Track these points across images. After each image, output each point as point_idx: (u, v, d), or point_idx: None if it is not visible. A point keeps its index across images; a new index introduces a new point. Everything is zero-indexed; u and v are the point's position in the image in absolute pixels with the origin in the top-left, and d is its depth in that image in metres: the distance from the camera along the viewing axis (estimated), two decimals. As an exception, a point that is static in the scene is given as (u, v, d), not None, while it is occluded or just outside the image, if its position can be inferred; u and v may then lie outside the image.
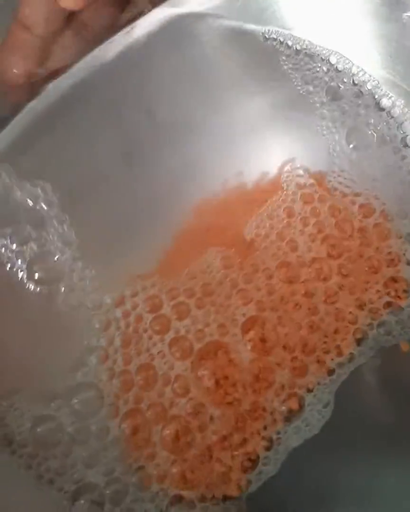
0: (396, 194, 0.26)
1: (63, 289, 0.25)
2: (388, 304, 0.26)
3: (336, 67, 0.25)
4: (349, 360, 0.26)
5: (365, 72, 0.25)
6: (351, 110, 0.26)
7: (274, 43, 0.25)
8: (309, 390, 0.26)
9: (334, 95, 0.26)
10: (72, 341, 0.25)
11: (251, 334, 0.26)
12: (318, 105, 0.26)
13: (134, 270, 0.26)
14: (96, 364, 0.25)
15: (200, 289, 0.26)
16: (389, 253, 0.26)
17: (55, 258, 0.25)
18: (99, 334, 0.25)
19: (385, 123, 0.25)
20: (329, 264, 0.26)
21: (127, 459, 0.25)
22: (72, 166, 0.25)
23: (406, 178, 0.26)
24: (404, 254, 0.26)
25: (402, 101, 0.25)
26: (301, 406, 0.25)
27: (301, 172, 0.27)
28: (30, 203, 0.24)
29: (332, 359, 0.26)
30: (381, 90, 0.25)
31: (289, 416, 0.25)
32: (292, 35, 0.25)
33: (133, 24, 0.24)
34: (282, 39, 0.25)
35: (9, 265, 0.24)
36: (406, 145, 0.25)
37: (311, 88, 0.26)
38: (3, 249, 0.24)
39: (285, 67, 0.26)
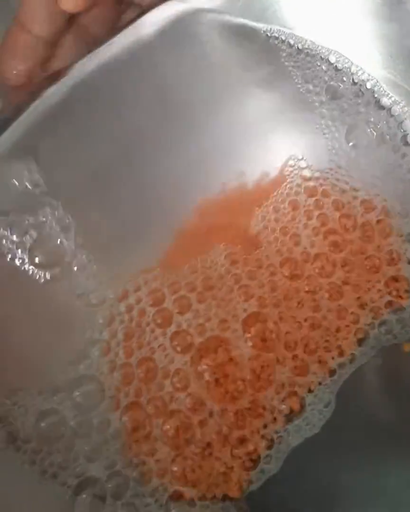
0: (396, 192, 0.26)
1: (64, 279, 0.25)
2: (389, 304, 0.26)
3: (336, 66, 0.25)
4: (351, 360, 0.26)
5: (364, 71, 0.25)
6: (351, 108, 0.26)
7: (276, 41, 0.25)
8: (310, 390, 0.26)
9: (334, 94, 0.26)
10: (75, 334, 0.25)
11: (252, 330, 0.26)
12: (318, 104, 0.26)
13: (136, 269, 0.27)
14: (98, 356, 0.25)
15: (201, 283, 0.26)
16: (390, 251, 0.26)
17: (57, 243, 0.25)
18: (102, 328, 0.26)
19: (385, 122, 0.26)
20: (332, 258, 0.26)
21: (128, 453, 0.25)
22: (74, 166, 0.25)
23: (406, 176, 0.26)
24: (404, 253, 0.26)
25: (404, 101, 0.26)
26: (302, 406, 0.25)
27: (303, 164, 0.27)
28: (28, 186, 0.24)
29: (333, 358, 0.26)
30: (381, 88, 0.25)
31: (290, 415, 0.25)
32: (294, 34, 0.25)
33: (134, 25, 0.24)
34: (283, 38, 0.25)
35: (9, 256, 0.24)
36: (406, 143, 0.26)
37: (311, 87, 0.26)
38: (3, 241, 0.24)
39: (286, 64, 0.26)
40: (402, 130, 0.26)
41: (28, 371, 0.24)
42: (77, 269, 0.25)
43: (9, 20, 0.23)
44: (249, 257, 0.27)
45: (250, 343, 0.26)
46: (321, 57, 0.25)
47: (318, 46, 0.25)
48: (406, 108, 0.25)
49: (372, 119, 0.26)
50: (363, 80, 0.25)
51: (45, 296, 0.25)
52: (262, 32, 0.25)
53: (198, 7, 0.25)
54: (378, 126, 0.26)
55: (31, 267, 0.24)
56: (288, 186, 0.27)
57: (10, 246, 0.24)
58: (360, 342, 0.26)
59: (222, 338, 0.26)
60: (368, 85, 0.25)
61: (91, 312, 0.25)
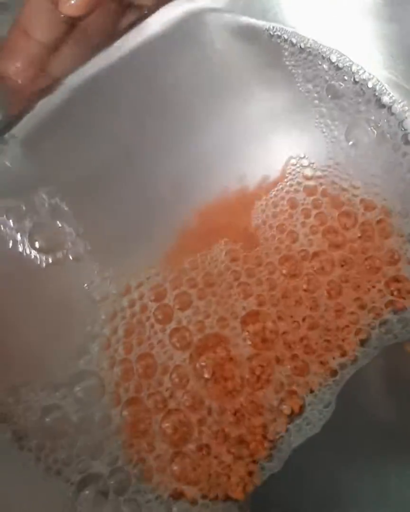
0: (397, 192, 0.26)
1: (65, 270, 0.25)
2: (391, 304, 0.26)
3: (337, 65, 0.25)
4: (352, 361, 0.26)
5: (365, 70, 0.25)
6: (351, 107, 0.26)
7: (278, 40, 0.25)
8: (311, 391, 0.26)
9: (335, 93, 0.26)
10: (75, 328, 0.25)
11: (251, 328, 0.26)
12: (318, 102, 0.26)
13: (139, 267, 0.27)
14: (98, 351, 0.25)
15: (202, 279, 0.26)
16: (390, 251, 0.26)
17: (56, 229, 0.25)
18: (104, 324, 0.26)
19: (385, 120, 0.26)
20: (331, 256, 0.26)
21: (129, 450, 0.25)
22: (76, 166, 0.25)
23: (406, 175, 0.26)
24: (405, 254, 0.26)
25: (404, 100, 0.26)
26: (302, 406, 0.25)
27: (305, 162, 0.27)
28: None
29: (334, 358, 0.26)
30: (382, 87, 0.25)
31: (291, 415, 0.25)
32: (296, 33, 0.25)
33: (135, 28, 0.24)
34: (286, 36, 0.25)
35: (10, 242, 0.24)
36: (406, 142, 0.25)
37: (311, 86, 0.26)
38: (1, 226, 0.24)
39: (288, 64, 0.26)
40: (402, 129, 0.26)
41: (29, 366, 0.24)
42: (77, 257, 0.25)
43: (10, 24, 0.24)
44: (249, 254, 0.27)
45: (248, 342, 0.26)
46: (322, 56, 0.26)
47: (320, 45, 0.25)
48: (406, 107, 0.25)
49: (372, 118, 0.26)
50: (364, 79, 0.25)
51: (47, 287, 0.25)
52: (265, 30, 0.25)
53: (201, 8, 0.25)
54: (379, 125, 0.26)
55: (32, 251, 0.24)
56: (288, 183, 0.27)
57: (9, 232, 0.24)
58: (362, 342, 0.26)
59: (221, 336, 0.26)
60: (369, 84, 0.25)
61: (94, 307, 0.26)
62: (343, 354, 0.26)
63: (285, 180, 0.27)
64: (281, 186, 0.27)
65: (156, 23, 0.25)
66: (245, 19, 0.25)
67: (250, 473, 0.25)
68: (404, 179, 0.26)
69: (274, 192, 0.27)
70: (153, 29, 0.25)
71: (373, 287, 0.26)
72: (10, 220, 0.24)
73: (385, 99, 0.25)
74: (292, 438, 0.25)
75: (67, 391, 0.25)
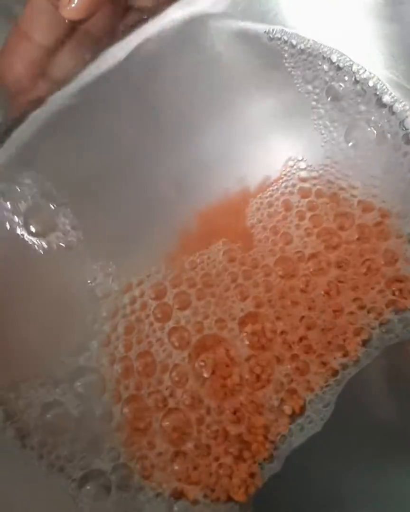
0: (397, 192, 0.26)
1: (66, 266, 0.26)
2: (392, 303, 0.26)
3: (337, 65, 0.25)
4: (354, 362, 0.26)
5: (366, 70, 0.25)
6: (351, 108, 0.26)
7: (278, 42, 0.25)
8: (312, 391, 0.26)
9: (335, 94, 0.26)
10: (76, 325, 0.26)
11: (249, 329, 0.26)
12: (319, 103, 0.26)
13: (140, 268, 0.27)
14: (98, 348, 0.26)
15: (201, 279, 0.27)
16: (389, 252, 0.26)
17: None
18: (104, 321, 0.26)
19: (386, 120, 0.25)
20: (328, 257, 0.26)
21: (130, 447, 0.25)
22: (76, 169, 0.25)
23: (407, 175, 0.26)
24: (404, 254, 0.26)
25: (406, 100, 0.25)
26: (303, 406, 0.25)
27: (303, 165, 0.27)
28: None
29: (335, 359, 0.26)
30: (383, 86, 0.25)
31: (292, 416, 0.25)
32: (296, 34, 0.25)
33: (135, 31, 0.24)
34: (286, 38, 0.25)
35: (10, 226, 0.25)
36: (408, 142, 0.25)
37: (311, 87, 0.26)
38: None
39: (287, 66, 0.26)
40: (403, 128, 0.25)
41: (29, 362, 0.25)
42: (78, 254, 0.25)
43: (10, 27, 0.24)
44: (245, 255, 0.27)
45: (246, 342, 0.26)
46: (322, 56, 0.25)
47: (320, 45, 0.25)
48: (408, 107, 0.25)
49: (373, 118, 0.26)
50: (364, 79, 0.25)
51: (47, 282, 0.25)
52: (264, 33, 0.25)
53: (201, 13, 0.25)
54: (379, 125, 0.26)
55: (29, 236, 0.25)
56: (283, 185, 0.27)
57: (6, 214, 0.24)
58: (364, 342, 0.26)
59: (219, 337, 0.26)
60: (370, 83, 0.25)
61: (96, 304, 0.26)
62: (345, 355, 0.26)
63: (281, 181, 0.28)
64: (276, 187, 0.28)
65: (156, 26, 0.25)
66: (244, 23, 0.25)
67: (252, 475, 0.25)
68: (404, 179, 0.26)
69: (269, 193, 0.27)
70: (153, 32, 0.25)
71: (373, 288, 0.26)
72: (8, 203, 0.24)
73: (386, 98, 0.25)
74: (293, 438, 0.25)
75: (68, 387, 0.25)
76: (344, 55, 0.25)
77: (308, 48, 0.25)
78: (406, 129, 0.25)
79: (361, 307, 0.26)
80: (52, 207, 0.25)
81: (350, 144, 0.26)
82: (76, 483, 0.24)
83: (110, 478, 0.24)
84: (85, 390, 0.25)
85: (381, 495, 0.25)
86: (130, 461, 0.25)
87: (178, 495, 0.25)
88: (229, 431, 0.25)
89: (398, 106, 0.25)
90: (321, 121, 0.26)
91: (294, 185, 0.27)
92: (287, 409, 0.25)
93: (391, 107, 0.25)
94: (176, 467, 0.25)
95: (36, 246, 0.25)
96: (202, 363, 0.25)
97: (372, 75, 0.25)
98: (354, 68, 0.25)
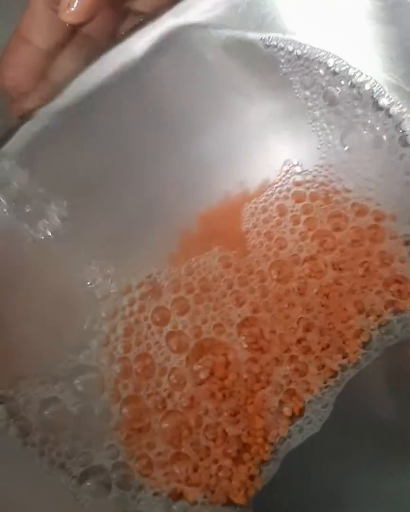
0: (393, 195, 0.26)
1: (65, 267, 0.26)
2: (391, 304, 0.26)
3: (334, 69, 0.25)
4: (354, 363, 0.26)
5: (362, 73, 0.25)
6: (347, 111, 0.26)
7: (275, 49, 0.26)
8: (311, 392, 0.26)
9: (332, 98, 0.26)
10: (76, 324, 0.26)
11: (246, 332, 0.26)
12: (316, 107, 0.26)
13: (140, 270, 0.27)
14: (97, 347, 0.26)
15: (198, 284, 0.27)
16: (385, 253, 0.26)
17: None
18: (103, 321, 0.26)
19: (383, 123, 0.25)
20: (323, 258, 0.26)
21: (130, 446, 0.25)
22: (77, 171, 0.26)
23: (403, 178, 0.26)
24: (397, 255, 0.26)
25: (403, 102, 0.26)
26: (303, 408, 0.25)
27: (298, 169, 0.27)
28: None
29: (334, 360, 0.26)
30: (380, 89, 0.25)
31: (291, 417, 0.25)
32: (293, 40, 0.25)
33: (134, 34, 0.24)
34: (282, 45, 0.25)
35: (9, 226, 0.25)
36: (405, 144, 0.25)
37: (309, 93, 0.26)
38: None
39: (284, 72, 0.26)
40: (400, 131, 0.25)
41: (29, 360, 0.25)
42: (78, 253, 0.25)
43: (10, 31, 0.24)
44: (240, 261, 0.27)
45: (244, 345, 0.26)
46: (319, 61, 0.25)
47: (316, 50, 0.25)
48: (405, 109, 0.25)
49: (369, 121, 0.26)
50: (361, 82, 0.25)
51: (46, 281, 0.25)
52: (260, 40, 0.25)
53: (198, 18, 0.25)
54: (376, 128, 0.26)
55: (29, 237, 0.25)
56: (278, 189, 0.28)
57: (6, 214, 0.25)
58: (363, 344, 0.26)
59: (217, 341, 0.26)
60: (367, 87, 0.25)
61: (95, 305, 0.26)
62: (345, 357, 0.26)
63: (275, 186, 0.28)
64: (270, 192, 0.28)
65: (155, 30, 0.25)
66: (240, 32, 0.25)
67: (251, 477, 0.25)
68: (400, 181, 0.26)
69: (263, 198, 0.28)
70: (152, 36, 0.25)
71: (371, 289, 0.26)
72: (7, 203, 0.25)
73: (383, 101, 0.25)
74: (292, 440, 0.25)
75: (66, 384, 0.25)
76: (341, 59, 0.25)
77: (305, 53, 0.25)
78: (403, 132, 0.25)
79: (360, 309, 0.26)
80: (53, 207, 0.25)
81: (346, 147, 0.26)
82: (76, 479, 0.24)
83: (111, 475, 0.25)
84: (84, 388, 0.25)
85: (381, 495, 0.25)
86: (130, 460, 0.25)
87: (177, 496, 0.25)
88: (228, 433, 0.25)
89: (395, 109, 0.25)
90: (317, 124, 0.27)
91: (288, 190, 0.27)
92: (287, 410, 0.25)
93: (387, 110, 0.25)
94: (175, 468, 0.25)
95: (36, 246, 0.25)
96: (200, 366, 0.26)
97: (369, 78, 0.25)
98: (351, 72, 0.25)
